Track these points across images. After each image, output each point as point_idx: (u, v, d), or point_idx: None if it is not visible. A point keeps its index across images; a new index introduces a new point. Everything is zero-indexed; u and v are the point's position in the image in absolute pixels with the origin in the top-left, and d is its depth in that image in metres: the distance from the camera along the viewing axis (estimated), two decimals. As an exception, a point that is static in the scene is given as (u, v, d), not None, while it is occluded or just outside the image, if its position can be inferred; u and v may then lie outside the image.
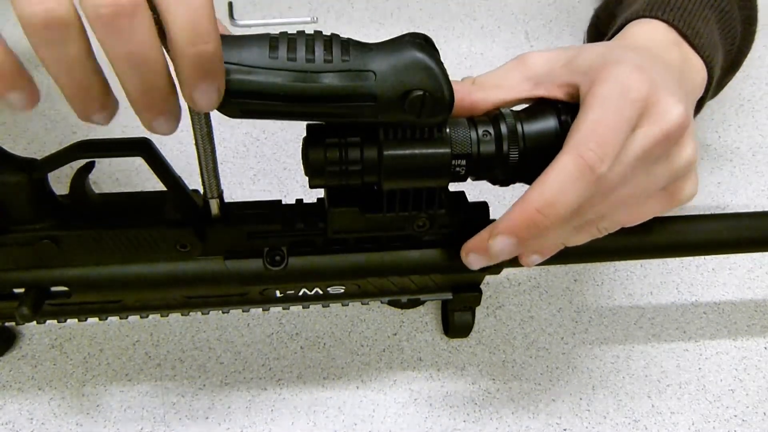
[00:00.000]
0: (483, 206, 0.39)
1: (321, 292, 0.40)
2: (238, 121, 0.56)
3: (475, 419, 0.44)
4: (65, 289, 0.37)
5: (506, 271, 0.52)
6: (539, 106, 0.36)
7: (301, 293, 0.40)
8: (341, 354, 0.46)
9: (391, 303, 0.47)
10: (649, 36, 0.41)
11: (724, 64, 0.46)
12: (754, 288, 0.51)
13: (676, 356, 0.47)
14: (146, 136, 0.32)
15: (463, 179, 0.35)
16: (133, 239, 0.36)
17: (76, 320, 0.40)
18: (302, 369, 0.46)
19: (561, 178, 0.32)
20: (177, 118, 0.28)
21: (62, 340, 0.46)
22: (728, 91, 0.61)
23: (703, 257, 0.52)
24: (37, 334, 0.46)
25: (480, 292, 0.42)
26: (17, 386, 0.44)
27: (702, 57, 0.41)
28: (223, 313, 0.42)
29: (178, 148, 0.54)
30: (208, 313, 0.42)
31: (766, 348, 0.48)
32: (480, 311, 0.48)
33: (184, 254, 0.37)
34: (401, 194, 0.35)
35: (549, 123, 0.34)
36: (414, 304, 0.47)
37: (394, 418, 0.44)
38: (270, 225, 0.37)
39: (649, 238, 0.41)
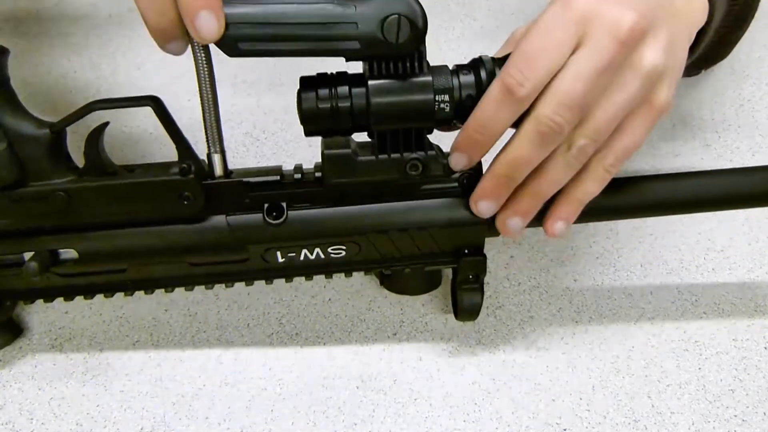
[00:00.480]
0: (477, 168, 0.40)
1: (322, 255, 0.40)
2: (239, 120, 0.56)
3: (475, 419, 0.43)
4: (74, 256, 0.38)
5: (506, 271, 0.52)
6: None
7: (302, 257, 0.40)
8: (341, 354, 0.46)
9: (398, 290, 0.47)
10: None
11: (727, 9, 0.46)
12: (754, 288, 0.51)
13: (676, 356, 0.47)
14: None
15: (447, 122, 0.37)
16: (140, 190, 0.37)
17: (83, 297, 0.41)
18: (302, 369, 0.46)
19: (488, 101, 0.35)
20: (185, 42, 0.34)
21: (62, 340, 0.46)
22: (728, 91, 0.61)
23: (703, 258, 0.52)
24: (37, 334, 0.46)
25: (484, 257, 0.42)
26: (17, 386, 0.44)
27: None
28: (227, 287, 0.42)
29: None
30: (212, 288, 0.42)
31: (766, 348, 0.48)
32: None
33: (186, 208, 0.38)
34: (391, 135, 0.37)
35: None
36: (426, 287, 0.47)
37: (394, 418, 0.44)
38: (269, 177, 0.39)
39: (642, 195, 0.42)
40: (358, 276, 0.52)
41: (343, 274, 0.42)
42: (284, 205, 0.39)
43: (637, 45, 0.34)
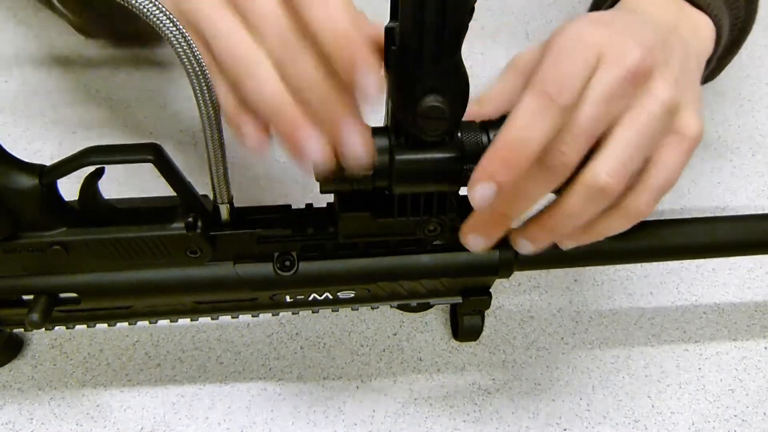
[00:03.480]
0: None
1: (331, 296, 0.40)
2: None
3: (475, 419, 0.44)
4: (75, 295, 0.38)
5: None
6: None
7: (311, 298, 0.40)
8: (341, 354, 0.46)
9: (400, 307, 0.47)
10: (649, 1, 0.41)
11: (728, 36, 0.46)
12: (754, 288, 0.51)
13: (676, 356, 0.47)
14: (155, 141, 0.33)
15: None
16: (142, 245, 0.36)
17: (85, 326, 0.40)
18: (302, 369, 0.46)
19: (525, 114, 0.31)
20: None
21: (62, 340, 0.46)
22: (728, 91, 0.61)
23: (703, 258, 0.52)
24: (37, 334, 0.46)
25: (490, 295, 0.42)
26: (17, 386, 0.44)
27: (708, 15, 0.41)
28: (233, 318, 0.42)
29: (183, 158, 0.54)
30: (217, 319, 0.42)
31: (766, 348, 0.48)
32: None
33: (194, 260, 0.37)
34: (412, 199, 0.35)
35: None
36: (423, 308, 0.47)
37: (394, 418, 0.44)
38: (280, 229, 0.37)
39: (653, 240, 0.41)
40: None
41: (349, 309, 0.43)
42: (295, 255, 0.38)
43: (644, 81, 0.33)
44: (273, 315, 0.42)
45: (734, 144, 0.59)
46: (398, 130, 0.32)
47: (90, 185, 0.35)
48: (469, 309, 0.43)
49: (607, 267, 0.51)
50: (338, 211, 0.36)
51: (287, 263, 0.38)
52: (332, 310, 0.43)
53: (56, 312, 0.38)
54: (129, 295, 0.38)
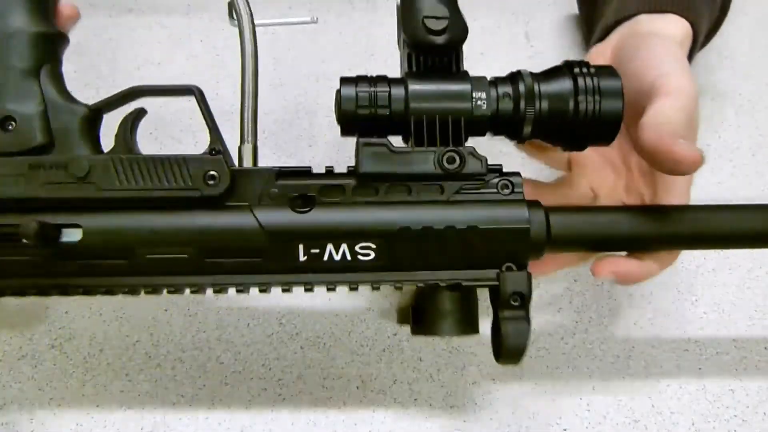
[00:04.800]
0: (516, 174, 0.37)
1: (349, 256, 0.36)
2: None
3: (475, 419, 0.44)
4: (76, 239, 0.35)
5: (506, 271, 0.52)
6: (556, 67, 0.38)
7: (326, 256, 0.36)
8: (341, 354, 0.46)
9: (435, 329, 0.39)
10: (668, 31, 0.44)
11: (708, 24, 0.50)
12: (754, 288, 0.51)
13: (676, 356, 0.47)
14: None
15: (483, 122, 0.36)
16: (164, 165, 0.36)
17: (80, 293, 0.36)
18: (302, 369, 0.46)
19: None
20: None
21: (62, 340, 0.46)
22: (728, 91, 0.61)
23: (703, 258, 0.52)
24: (37, 334, 0.46)
25: (528, 273, 0.37)
26: (17, 386, 0.44)
27: (691, 25, 0.45)
28: (238, 291, 0.37)
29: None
30: (226, 291, 0.37)
31: (766, 348, 0.48)
32: (481, 311, 0.48)
33: (211, 187, 0.36)
34: (428, 128, 0.36)
35: (565, 83, 0.36)
36: (460, 327, 0.39)
37: (394, 418, 0.44)
38: (298, 168, 0.37)
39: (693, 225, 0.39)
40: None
41: (369, 287, 0.37)
42: (313, 195, 0.36)
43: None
44: (284, 291, 0.37)
45: (734, 144, 0.59)
46: (410, 62, 0.37)
47: (130, 121, 0.37)
48: (508, 295, 0.36)
49: (607, 267, 0.51)
50: (358, 142, 0.36)
51: (304, 201, 0.36)
52: (350, 288, 0.37)
53: (51, 261, 0.35)
54: (134, 234, 0.35)
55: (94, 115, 0.37)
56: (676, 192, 0.40)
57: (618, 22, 0.46)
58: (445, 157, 0.36)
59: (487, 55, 0.63)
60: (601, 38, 0.48)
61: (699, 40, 0.47)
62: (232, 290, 0.37)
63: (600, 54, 0.45)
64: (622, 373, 0.46)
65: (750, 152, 0.58)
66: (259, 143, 0.56)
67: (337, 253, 0.36)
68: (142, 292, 0.36)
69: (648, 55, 0.41)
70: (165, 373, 0.45)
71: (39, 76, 0.36)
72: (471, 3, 0.67)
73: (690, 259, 0.51)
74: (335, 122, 0.57)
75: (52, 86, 0.37)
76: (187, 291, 0.37)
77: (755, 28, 0.63)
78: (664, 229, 0.38)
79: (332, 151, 0.56)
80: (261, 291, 0.36)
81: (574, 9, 0.68)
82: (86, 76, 0.59)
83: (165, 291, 0.36)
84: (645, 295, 0.50)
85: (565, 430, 0.44)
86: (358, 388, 0.45)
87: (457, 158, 0.36)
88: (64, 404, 0.43)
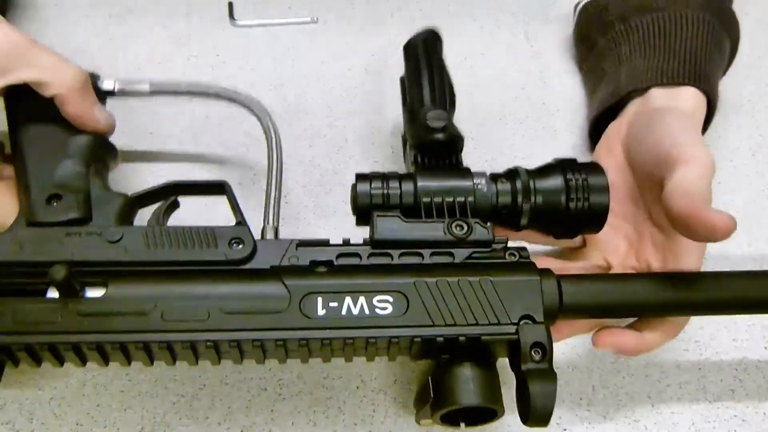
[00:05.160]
0: (523, 248, 0.39)
1: (367, 309, 0.36)
2: (239, 120, 0.57)
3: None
4: (100, 293, 0.36)
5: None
6: (549, 166, 0.41)
7: (344, 309, 0.36)
8: (341, 354, 0.46)
9: (455, 399, 0.37)
10: (680, 104, 0.48)
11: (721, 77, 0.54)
12: (754, 288, 0.51)
13: (676, 356, 0.47)
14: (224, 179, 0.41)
15: (484, 205, 0.39)
16: (191, 233, 0.38)
17: (96, 356, 0.36)
18: (302, 369, 0.46)
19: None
20: None
21: (62, 340, 0.46)
22: (728, 91, 0.61)
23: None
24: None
25: (547, 326, 0.37)
26: (17, 386, 0.44)
27: (705, 94, 0.49)
28: (254, 346, 0.36)
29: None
30: (242, 349, 0.36)
31: (766, 348, 0.48)
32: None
33: (236, 252, 0.38)
34: (436, 205, 0.39)
35: (557, 180, 0.40)
36: (483, 395, 0.37)
37: (394, 418, 0.44)
38: (317, 241, 0.39)
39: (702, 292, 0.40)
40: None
41: (386, 356, 0.38)
42: (331, 259, 0.38)
43: None
44: (301, 345, 0.36)
45: (734, 144, 0.59)
46: (416, 160, 0.42)
47: (163, 210, 0.40)
48: (528, 347, 0.36)
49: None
50: (372, 215, 0.39)
51: (323, 263, 0.38)
52: (368, 343, 0.36)
53: (73, 316, 0.35)
54: (156, 293, 0.36)
55: (132, 203, 0.41)
56: (689, 260, 0.41)
57: (630, 94, 0.49)
58: (453, 225, 0.38)
59: (487, 55, 0.63)
60: (610, 103, 0.51)
61: (715, 105, 0.50)
62: (247, 347, 0.36)
63: (616, 131, 0.48)
64: (622, 373, 0.46)
65: (750, 152, 0.58)
66: (258, 143, 0.56)
67: (355, 306, 0.36)
68: (156, 348, 0.35)
69: (662, 130, 0.43)
70: (165, 373, 0.45)
71: (88, 171, 0.41)
72: (471, 3, 0.67)
73: (690, 259, 0.51)
74: (335, 122, 0.58)
75: (97, 179, 0.41)
76: (202, 348, 0.36)
77: (755, 28, 0.63)
78: (674, 296, 0.39)
79: (332, 151, 0.56)
80: (278, 347, 0.36)
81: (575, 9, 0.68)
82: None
83: (180, 347, 0.35)
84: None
85: (565, 430, 0.44)
86: (358, 388, 0.45)
87: (465, 226, 0.38)
88: (64, 404, 0.43)
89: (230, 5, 0.64)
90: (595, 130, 0.53)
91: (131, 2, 0.64)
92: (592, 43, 0.57)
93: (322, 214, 0.52)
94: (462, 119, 0.58)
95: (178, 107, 0.56)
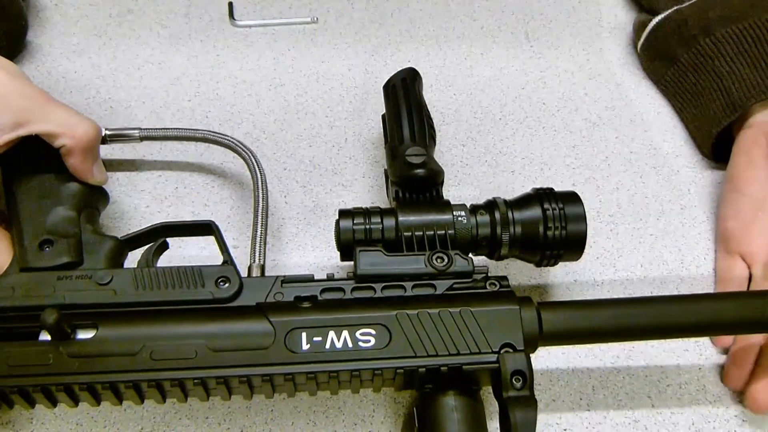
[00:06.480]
0: (503, 277, 0.40)
1: (350, 343, 0.37)
2: (239, 121, 0.57)
3: (475, 419, 0.43)
4: (90, 335, 0.37)
5: (506, 271, 0.52)
6: (527, 196, 0.42)
7: (328, 343, 0.37)
8: (341, 354, 0.46)
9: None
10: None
11: None
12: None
13: (676, 356, 0.47)
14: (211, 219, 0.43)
15: (465, 241, 0.41)
16: (179, 273, 0.39)
17: (84, 399, 0.37)
18: (302, 369, 0.46)
19: None
20: None
21: (62, 340, 0.46)
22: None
23: (703, 258, 0.52)
24: (37, 334, 0.46)
25: (527, 354, 0.37)
26: (17, 386, 0.44)
27: None
28: (240, 382, 0.37)
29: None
30: (229, 385, 0.37)
31: (766, 348, 0.48)
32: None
33: (222, 291, 0.39)
34: (417, 240, 0.40)
35: (535, 211, 0.41)
36: (472, 428, 0.38)
37: (394, 418, 0.44)
38: (301, 277, 0.40)
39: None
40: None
41: (371, 388, 0.39)
42: (315, 295, 0.39)
43: None
44: (286, 379, 0.37)
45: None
46: (398, 196, 0.43)
47: (153, 251, 0.41)
48: (509, 376, 0.37)
49: (607, 267, 0.51)
50: (355, 250, 0.40)
51: (307, 299, 0.39)
52: (351, 376, 0.37)
53: (64, 359, 0.36)
54: (145, 333, 0.37)
55: (122, 246, 0.42)
56: None
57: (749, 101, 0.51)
58: (434, 257, 0.39)
59: (486, 55, 0.63)
60: (732, 118, 0.52)
61: None
62: (234, 383, 0.37)
63: (752, 143, 0.50)
64: (622, 373, 0.46)
65: (750, 152, 0.58)
66: (258, 143, 0.56)
67: (338, 340, 0.37)
68: (145, 387, 0.36)
69: None
70: (165, 373, 0.45)
71: (79, 217, 0.42)
72: (471, 3, 0.67)
73: (690, 259, 0.51)
74: (335, 122, 0.58)
75: (88, 224, 0.42)
76: (190, 385, 0.37)
77: (755, 28, 0.63)
78: (655, 320, 0.39)
79: (332, 150, 0.56)
80: (264, 382, 0.37)
81: (575, 9, 0.68)
82: (86, 75, 0.59)
83: (168, 385, 0.36)
84: (645, 295, 0.50)
85: (565, 430, 0.44)
86: (358, 388, 0.45)
87: (446, 258, 0.39)
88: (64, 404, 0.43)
89: (230, 5, 0.64)
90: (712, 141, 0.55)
91: (131, 2, 0.64)
92: (672, 58, 0.58)
93: (322, 214, 0.52)
94: (462, 120, 0.58)
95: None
